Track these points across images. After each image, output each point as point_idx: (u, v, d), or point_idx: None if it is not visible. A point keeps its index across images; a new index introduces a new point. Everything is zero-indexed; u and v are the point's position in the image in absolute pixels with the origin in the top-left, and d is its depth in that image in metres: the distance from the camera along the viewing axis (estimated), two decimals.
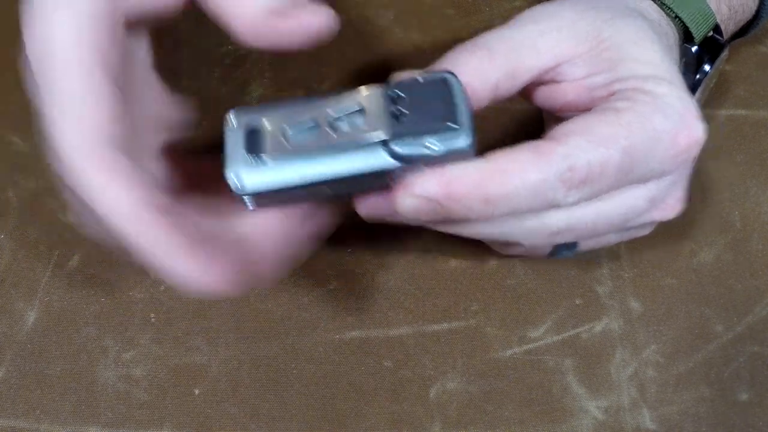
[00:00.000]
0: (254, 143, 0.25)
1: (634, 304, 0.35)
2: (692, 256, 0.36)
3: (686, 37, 0.32)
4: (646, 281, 0.35)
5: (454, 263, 0.36)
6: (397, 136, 0.24)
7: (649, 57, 0.27)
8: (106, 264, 0.36)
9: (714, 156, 0.38)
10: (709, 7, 0.32)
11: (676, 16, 0.31)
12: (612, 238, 0.30)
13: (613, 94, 0.27)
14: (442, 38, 0.42)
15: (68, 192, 0.24)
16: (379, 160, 0.24)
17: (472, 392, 0.33)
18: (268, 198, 0.25)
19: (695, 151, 0.27)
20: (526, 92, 0.29)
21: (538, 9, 0.28)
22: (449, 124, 0.24)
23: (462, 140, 0.24)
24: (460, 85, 0.25)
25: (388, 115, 0.24)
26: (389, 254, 0.36)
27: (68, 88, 0.23)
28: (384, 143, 0.24)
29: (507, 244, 0.30)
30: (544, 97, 0.29)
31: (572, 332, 0.34)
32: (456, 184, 0.24)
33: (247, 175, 0.24)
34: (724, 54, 0.34)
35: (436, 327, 0.35)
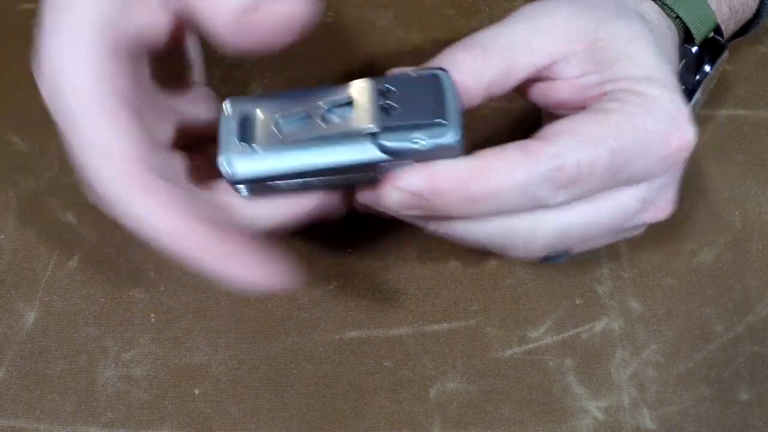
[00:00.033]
0: (247, 132, 0.25)
1: (634, 304, 0.35)
2: (692, 256, 0.36)
3: (687, 37, 0.32)
4: (646, 281, 0.35)
5: (454, 263, 0.36)
6: (385, 129, 0.24)
7: (644, 58, 0.27)
8: (106, 264, 0.36)
9: (714, 156, 0.38)
10: (710, 8, 0.32)
11: (677, 17, 0.31)
12: (604, 240, 0.30)
13: (605, 94, 0.27)
14: (442, 38, 0.41)
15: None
16: (367, 152, 0.24)
17: (472, 392, 0.33)
18: (258, 186, 0.26)
19: (685, 154, 0.27)
20: (521, 89, 0.29)
21: (534, 6, 0.28)
22: (437, 120, 0.24)
23: (449, 136, 0.24)
24: (451, 82, 0.25)
25: (378, 108, 0.25)
26: (389, 254, 0.36)
27: (90, 126, 0.24)
28: (372, 136, 0.24)
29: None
30: (539, 94, 0.29)
31: (572, 332, 0.34)
32: (441, 180, 0.24)
33: (237, 162, 0.25)
34: (725, 55, 0.34)
35: (436, 327, 0.35)
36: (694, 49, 0.32)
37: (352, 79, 0.26)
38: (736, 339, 0.34)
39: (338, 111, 0.25)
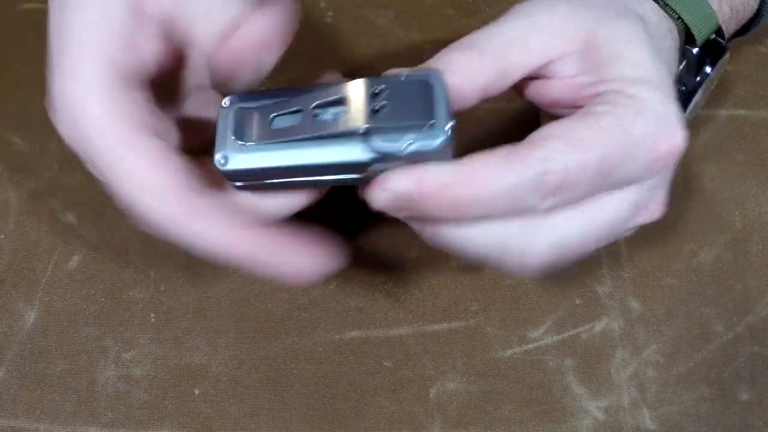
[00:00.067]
0: (242, 127, 0.26)
1: (634, 304, 0.35)
2: (692, 256, 0.36)
3: (688, 38, 0.32)
4: (646, 281, 0.35)
5: (454, 263, 0.36)
6: (374, 130, 0.25)
7: (639, 59, 0.27)
8: (106, 264, 0.36)
9: (714, 156, 0.38)
10: (711, 8, 0.32)
11: (679, 17, 0.31)
12: (600, 245, 0.30)
13: (598, 94, 0.27)
14: (442, 38, 0.41)
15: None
16: (355, 152, 0.25)
17: (472, 392, 0.33)
18: (251, 179, 0.26)
19: (675, 157, 0.26)
20: (517, 87, 0.29)
21: (532, 2, 0.28)
22: (425, 123, 0.24)
23: (436, 140, 0.24)
24: (443, 85, 0.25)
25: (369, 109, 0.25)
26: (389, 254, 0.36)
27: (123, 162, 0.25)
28: (362, 136, 0.25)
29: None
30: (535, 92, 0.29)
31: (572, 332, 0.34)
32: (428, 183, 0.25)
33: (231, 156, 0.25)
34: (726, 56, 0.34)
35: (436, 327, 0.35)
36: (695, 50, 0.32)
37: (351, 79, 0.26)
38: (736, 339, 0.34)
39: (332, 110, 0.26)
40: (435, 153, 0.25)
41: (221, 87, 0.26)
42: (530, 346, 0.34)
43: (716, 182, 0.37)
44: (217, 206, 0.25)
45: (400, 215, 0.26)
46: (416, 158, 0.25)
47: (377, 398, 0.33)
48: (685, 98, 0.33)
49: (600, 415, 0.32)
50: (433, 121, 0.24)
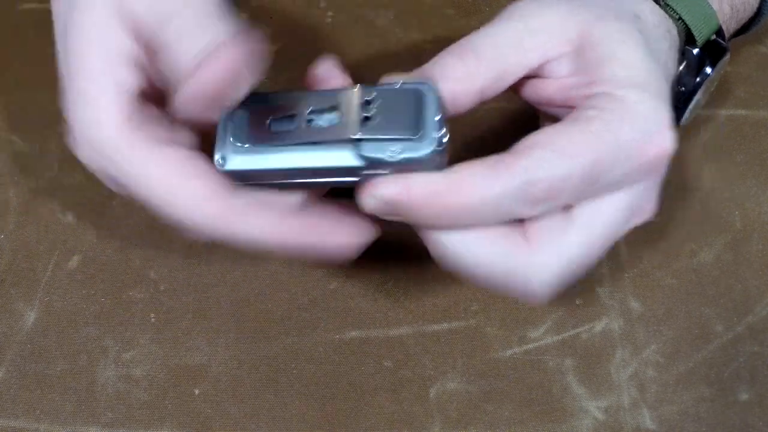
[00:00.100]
0: (241, 129, 0.27)
1: (634, 304, 0.35)
2: (692, 256, 0.36)
3: (688, 39, 0.32)
4: (646, 281, 0.35)
5: None
6: (364, 138, 0.25)
7: (632, 59, 0.27)
8: (106, 264, 0.36)
9: (714, 156, 0.38)
10: (712, 8, 0.32)
11: (680, 18, 0.31)
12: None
13: (590, 96, 0.27)
14: (442, 38, 0.41)
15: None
16: (345, 158, 0.26)
17: (472, 392, 0.33)
18: (249, 180, 0.27)
19: (664, 160, 0.26)
20: (513, 86, 0.29)
21: (528, 2, 0.28)
22: (412, 133, 0.25)
23: (422, 150, 0.25)
24: (435, 95, 0.26)
25: (360, 117, 0.26)
26: (389, 254, 0.36)
27: (157, 182, 0.26)
28: (351, 143, 0.25)
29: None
30: (530, 91, 0.29)
31: (572, 332, 0.34)
32: (415, 192, 0.25)
33: (229, 157, 0.26)
34: (726, 57, 0.33)
35: (436, 327, 0.35)
36: (696, 50, 0.32)
37: (351, 80, 0.26)
38: (736, 339, 0.34)
39: (326, 116, 0.26)
40: (423, 162, 0.25)
41: (190, 119, 0.27)
42: (530, 346, 0.34)
43: (716, 182, 0.37)
44: (253, 202, 0.27)
45: (392, 219, 0.27)
46: (405, 167, 0.25)
47: (377, 398, 0.33)
48: (685, 98, 0.33)
49: (600, 415, 0.32)
50: (420, 132, 0.25)
